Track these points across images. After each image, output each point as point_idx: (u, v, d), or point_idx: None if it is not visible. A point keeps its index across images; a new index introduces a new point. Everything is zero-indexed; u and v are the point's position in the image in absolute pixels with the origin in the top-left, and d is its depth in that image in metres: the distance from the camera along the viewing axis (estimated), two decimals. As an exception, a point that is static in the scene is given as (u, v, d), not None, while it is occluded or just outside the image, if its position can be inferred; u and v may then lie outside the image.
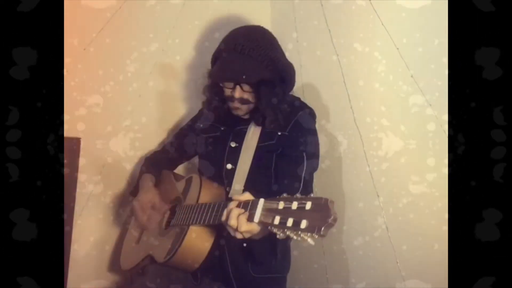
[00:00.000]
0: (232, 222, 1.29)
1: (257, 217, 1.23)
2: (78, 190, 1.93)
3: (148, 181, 1.83)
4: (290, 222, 1.14)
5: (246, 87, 1.63)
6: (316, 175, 1.68)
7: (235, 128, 1.71)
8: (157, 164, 1.92)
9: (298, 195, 1.19)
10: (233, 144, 1.69)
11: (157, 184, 1.84)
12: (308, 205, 1.13)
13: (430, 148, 1.63)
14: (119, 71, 1.99)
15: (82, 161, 1.94)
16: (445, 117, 1.54)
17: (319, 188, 1.71)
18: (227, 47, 1.64)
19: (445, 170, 1.57)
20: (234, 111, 1.70)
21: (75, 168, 1.92)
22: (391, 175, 1.73)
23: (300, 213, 1.13)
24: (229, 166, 1.66)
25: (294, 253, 1.83)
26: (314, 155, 1.66)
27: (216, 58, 1.70)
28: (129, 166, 2.06)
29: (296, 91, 1.95)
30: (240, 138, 1.69)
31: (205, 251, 1.52)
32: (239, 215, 1.29)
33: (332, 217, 1.09)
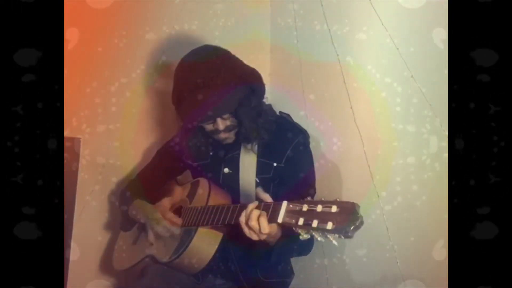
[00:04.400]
0: (253, 223, 1.30)
1: (280, 218, 1.23)
2: (78, 190, 1.94)
3: (142, 205, 1.73)
4: (315, 223, 1.15)
5: (226, 115, 1.57)
6: (316, 175, 1.69)
7: (227, 155, 1.68)
8: (139, 190, 1.82)
9: (323, 198, 1.20)
10: (226, 170, 1.67)
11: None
12: (334, 208, 1.15)
13: (430, 148, 1.63)
14: (120, 71, 2.00)
15: (82, 161, 1.94)
16: (445, 116, 1.54)
17: (318, 188, 1.70)
18: (187, 87, 1.54)
19: (445, 170, 1.57)
20: (223, 142, 1.65)
21: (75, 168, 1.92)
22: (391, 175, 1.73)
23: (325, 215, 1.15)
24: (226, 191, 1.64)
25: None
26: (312, 181, 1.65)
27: (180, 99, 1.60)
28: (129, 166, 2.06)
29: (296, 91, 1.96)
30: (233, 164, 1.65)
31: (211, 252, 1.53)
32: (259, 216, 1.30)
33: (359, 220, 1.11)
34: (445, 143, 1.58)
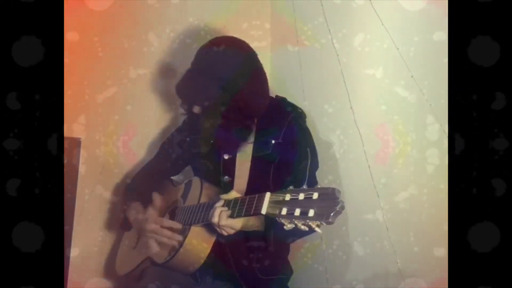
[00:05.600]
0: (214, 219, 1.39)
1: (264, 209, 1.26)
2: (78, 190, 1.93)
3: (137, 213, 1.73)
4: (297, 212, 1.17)
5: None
6: (316, 175, 1.69)
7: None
8: (143, 186, 1.83)
9: (304, 187, 1.21)
10: (226, 156, 1.67)
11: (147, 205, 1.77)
12: (315, 195, 1.16)
13: (430, 148, 1.63)
14: (120, 71, 2.00)
15: (82, 161, 1.94)
16: (445, 117, 1.54)
17: (319, 188, 1.70)
18: (191, 63, 1.59)
19: (445, 170, 1.56)
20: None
21: (75, 168, 1.92)
22: (391, 175, 1.73)
23: (307, 203, 1.16)
24: (226, 178, 1.65)
25: (293, 254, 1.83)
26: (312, 155, 1.64)
27: None
28: (129, 166, 2.06)
29: (296, 91, 1.95)
30: (232, 149, 1.66)
31: (206, 251, 1.53)
32: (221, 212, 1.38)
33: (339, 205, 1.12)
34: (445, 143, 1.58)
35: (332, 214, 1.11)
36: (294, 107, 1.69)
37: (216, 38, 1.66)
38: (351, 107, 1.80)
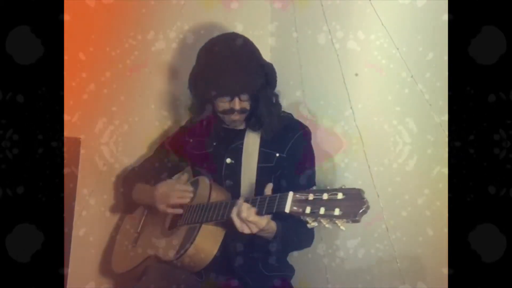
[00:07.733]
0: (244, 215, 1.37)
1: (287, 208, 1.28)
2: (78, 190, 1.93)
3: (144, 188, 1.78)
4: (322, 210, 1.20)
5: (244, 97, 1.62)
6: (316, 175, 1.70)
7: (230, 146, 1.70)
8: (143, 177, 1.86)
9: (328, 187, 1.25)
10: (228, 161, 1.69)
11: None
12: (340, 195, 1.20)
13: (430, 148, 1.63)
14: (119, 71, 1.99)
15: (82, 161, 1.94)
16: (445, 117, 1.54)
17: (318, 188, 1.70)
18: (212, 63, 1.60)
19: (445, 170, 1.57)
20: (231, 124, 1.69)
21: (75, 168, 1.92)
22: (391, 175, 1.73)
23: (332, 202, 1.20)
24: (228, 182, 1.67)
25: (294, 253, 1.83)
26: (312, 174, 1.68)
27: (201, 76, 1.64)
28: (129, 165, 2.06)
29: (296, 91, 1.96)
30: (236, 154, 1.69)
31: (215, 249, 1.55)
32: (248, 208, 1.38)
33: (366, 205, 1.16)
34: (445, 143, 1.58)
35: (360, 212, 1.15)
36: (301, 125, 1.73)
37: (228, 33, 1.71)
38: (351, 107, 1.81)
